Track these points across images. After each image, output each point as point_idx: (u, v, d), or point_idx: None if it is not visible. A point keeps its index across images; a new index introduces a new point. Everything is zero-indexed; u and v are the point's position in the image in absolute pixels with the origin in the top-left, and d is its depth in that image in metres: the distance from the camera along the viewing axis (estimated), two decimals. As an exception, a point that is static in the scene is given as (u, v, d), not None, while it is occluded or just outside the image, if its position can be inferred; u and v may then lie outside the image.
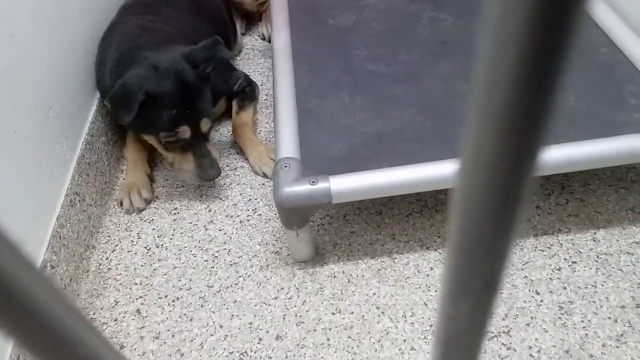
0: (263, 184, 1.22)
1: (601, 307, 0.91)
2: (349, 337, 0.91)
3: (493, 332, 0.90)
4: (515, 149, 0.15)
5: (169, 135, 1.09)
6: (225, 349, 0.92)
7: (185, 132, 1.09)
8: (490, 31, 0.13)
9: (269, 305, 0.98)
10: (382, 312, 0.94)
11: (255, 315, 0.96)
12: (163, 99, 1.06)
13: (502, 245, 0.17)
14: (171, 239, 1.13)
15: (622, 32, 1.15)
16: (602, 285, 0.94)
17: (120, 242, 1.13)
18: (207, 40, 1.13)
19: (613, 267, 0.97)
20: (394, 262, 1.02)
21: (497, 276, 0.18)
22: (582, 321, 0.90)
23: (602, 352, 0.85)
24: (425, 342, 0.90)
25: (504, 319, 0.91)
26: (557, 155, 0.90)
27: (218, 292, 1.01)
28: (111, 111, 1.08)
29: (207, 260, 1.07)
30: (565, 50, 0.13)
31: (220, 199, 1.20)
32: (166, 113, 1.07)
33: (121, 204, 1.20)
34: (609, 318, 0.90)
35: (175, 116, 1.07)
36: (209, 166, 1.13)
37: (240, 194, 1.21)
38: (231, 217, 1.16)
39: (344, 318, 0.94)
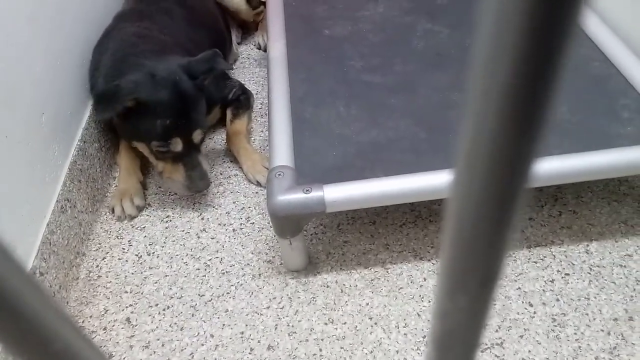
0: (257, 193, 1.22)
1: (594, 319, 0.91)
2: (342, 348, 0.91)
3: (486, 344, 0.89)
4: (509, 158, 0.15)
5: (161, 145, 1.08)
6: (215, 359, 0.91)
7: (177, 143, 1.09)
8: (486, 41, 0.13)
9: (261, 314, 0.97)
10: (375, 323, 0.94)
11: (246, 325, 0.95)
12: (156, 108, 1.05)
13: (499, 243, 0.17)
14: (163, 246, 1.12)
15: (615, 46, 1.16)
16: (595, 298, 0.94)
17: (111, 249, 1.12)
18: (206, 53, 1.13)
19: (606, 280, 0.97)
20: (388, 272, 1.02)
21: (494, 272, 0.18)
22: (575, 333, 0.90)
23: (595, 365, 0.85)
24: (418, 353, 0.89)
25: (497, 331, 0.91)
26: (550, 167, 0.90)
27: (209, 301, 1.00)
28: (93, 105, 1.08)
29: (198, 269, 1.06)
30: (559, 59, 0.13)
31: (213, 207, 1.19)
32: (160, 122, 1.06)
33: (113, 211, 1.18)
34: (602, 330, 0.90)
35: (169, 126, 1.07)
36: (198, 178, 1.12)
37: (234, 202, 1.20)
38: (224, 225, 1.15)
39: (336, 328, 0.93)
